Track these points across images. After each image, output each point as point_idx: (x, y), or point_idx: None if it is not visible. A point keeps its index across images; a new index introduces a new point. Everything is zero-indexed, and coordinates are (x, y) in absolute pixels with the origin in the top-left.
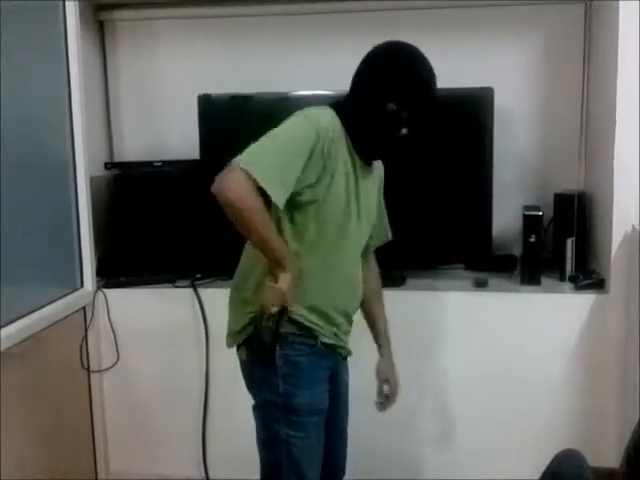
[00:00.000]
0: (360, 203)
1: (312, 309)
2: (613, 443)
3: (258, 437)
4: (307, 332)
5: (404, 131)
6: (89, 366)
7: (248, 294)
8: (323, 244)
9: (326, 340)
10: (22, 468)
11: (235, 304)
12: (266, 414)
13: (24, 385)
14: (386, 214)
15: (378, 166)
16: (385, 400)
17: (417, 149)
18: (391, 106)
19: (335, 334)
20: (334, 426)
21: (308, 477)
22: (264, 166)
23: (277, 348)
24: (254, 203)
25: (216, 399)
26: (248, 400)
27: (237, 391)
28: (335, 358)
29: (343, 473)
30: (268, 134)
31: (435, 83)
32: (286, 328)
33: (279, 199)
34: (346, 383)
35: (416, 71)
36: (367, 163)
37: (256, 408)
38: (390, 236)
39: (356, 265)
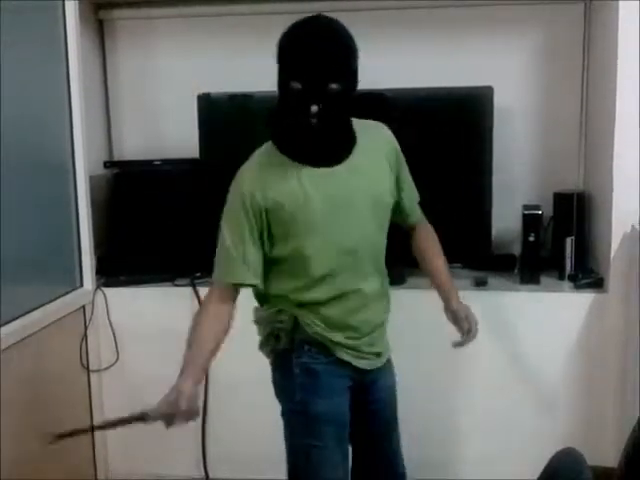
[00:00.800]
0: (340, 212)
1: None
2: (612, 442)
3: (285, 443)
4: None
5: (314, 109)
6: (89, 365)
7: (259, 314)
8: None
9: (343, 356)
10: (21, 467)
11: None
12: (287, 421)
13: (23, 384)
14: (408, 178)
15: (364, 147)
16: (466, 336)
17: (419, 149)
18: (295, 85)
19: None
20: (375, 445)
21: None
22: (219, 271)
23: (294, 356)
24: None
25: (215, 399)
26: (247, 400)
27: (236, 391)
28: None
29: None
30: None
31: (328, 47)
32: (302, 334)
33: (249, 280)
34: (389, 389)
35: (299, 37)
36: (307, 162)
37: (281, 415)
38: (417, 196)
39: (356, 281)
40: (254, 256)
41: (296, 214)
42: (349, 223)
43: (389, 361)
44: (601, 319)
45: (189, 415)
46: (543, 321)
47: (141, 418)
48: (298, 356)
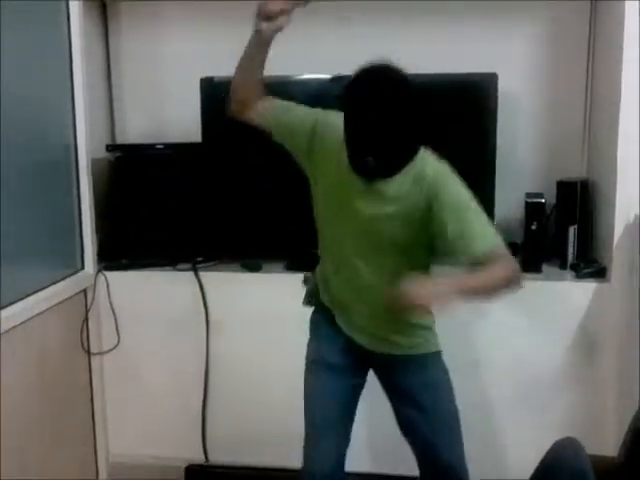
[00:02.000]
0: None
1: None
2: (612, 432)
3: None
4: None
5: (369, 159)
6: (89, 348)
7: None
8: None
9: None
10: (21, 450)
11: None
12: None
13: (24, 367)
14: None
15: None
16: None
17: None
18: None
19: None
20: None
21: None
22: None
23: (313, 312)
24: None
25: (216, 383)
26: (248, 383)
27: (237, 375)
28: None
29: None
30: None
31: (376, 104)
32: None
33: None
34: (420, 385)
35: (351, 89)
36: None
37: None
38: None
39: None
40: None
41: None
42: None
43: (425, 357)
44: (603, 309)
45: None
46: (544, 310)
47: None
48: (315, 312)
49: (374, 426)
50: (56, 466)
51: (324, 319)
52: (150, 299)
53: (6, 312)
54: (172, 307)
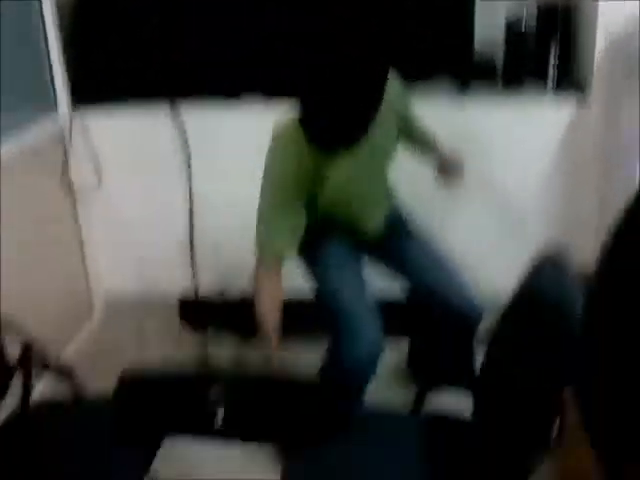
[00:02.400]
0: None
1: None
2: (590, 249)
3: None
4: None
5: None
6: (73, 193)
7: None
8: None
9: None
10: (20, 298)
11: None
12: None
13: (8, 212)
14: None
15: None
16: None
17: None
18: None
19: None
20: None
21: None
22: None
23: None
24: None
25: (202, 218)
26: (233, 217)
27: (222, 209)
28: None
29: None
30: None
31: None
32: None
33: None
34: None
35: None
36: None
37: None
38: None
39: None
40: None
41: None
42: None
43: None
44: (582, 126)
45: None
46: (525, 131)
47: None
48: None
49: None
50: (53, 306)
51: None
52: (129, 140)
53: None
54: (152, 147)
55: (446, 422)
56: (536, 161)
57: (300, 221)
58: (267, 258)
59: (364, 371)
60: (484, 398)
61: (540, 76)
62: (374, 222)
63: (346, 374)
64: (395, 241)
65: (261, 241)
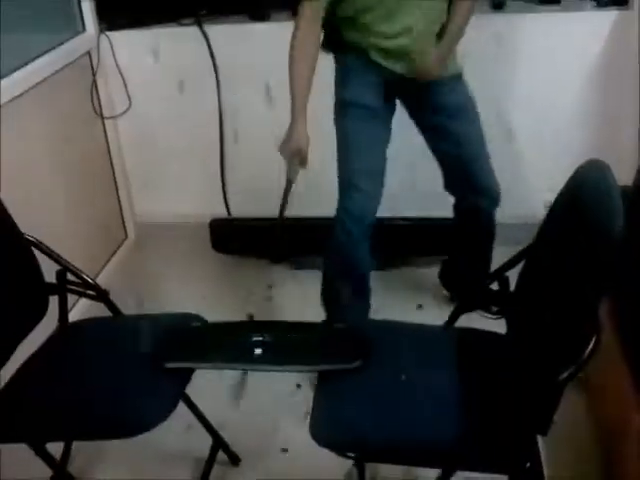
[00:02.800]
0: None
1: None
2: (628, 162)
3: None
4: None
5: None
6: (102, 113)
7: None
8: None
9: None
10: (48, 219)
11: None
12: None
13: (39, 133)
14: None
15: None
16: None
17: None
18: None
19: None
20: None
21: None
22: None
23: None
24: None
25: (231, 138)
26: (264, 136)
27: (252, 128)
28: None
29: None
30: None
31: None
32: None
33: None
34: (455, 107)
35: None
36: None
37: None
38: None
39: None
40: None
41: None
42: None
43: (451, 79)
44: (624, 37)
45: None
46: (563, 43)
47: (289, 184)
48: (341, 56)
49: (415, 169)
50: (85, 230)
51: (354, 62)
52: (157, 58)
53: (8, 80)
54: (180, 64)
55: (480, 334)
56: (575, 71)
57: None
58: (305, 5)
59: (355, 240)
60: (519, 313)
61: None
62: (405, 51)
63: (340, 245)
64: (440, 109)
65: None
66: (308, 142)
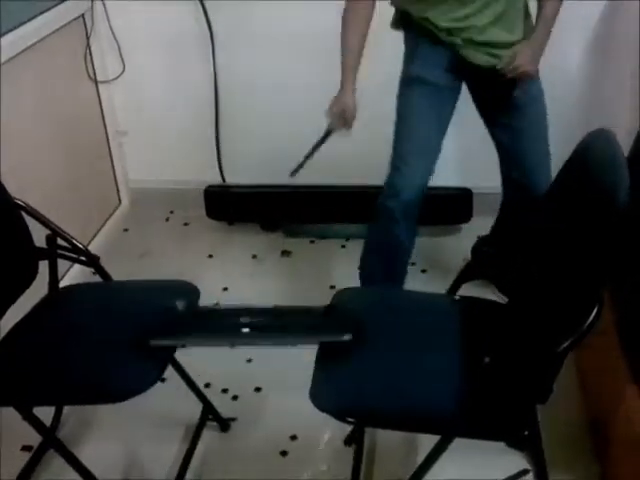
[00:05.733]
0: None
1: None
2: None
3: None
4: None
5: None
6: (96, 77)
7: None
8: None
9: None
10: (42, 182)
11: None
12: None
13: (32, 96)
14: None
15: None
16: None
17: None
18: None
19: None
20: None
21: None
22: None
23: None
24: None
25: (227, 104)
26: (258, 102)
27: (247, 95)
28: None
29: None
30: None
31: None
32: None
33: None
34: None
35: None
36: None
37: None
38: None
39: None
40: None
41: None
42: None
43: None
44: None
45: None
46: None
47: (328, 132)
48: (410, 33)
49: (463, 142)
50: (79, 196)
51: (424, 39)
52: (151, 22)
53: (5, 39)
54: (174, 29)
55: (481, 303)
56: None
57: None
58: None
59: (391, 216)
60: (520, 283)
61: None
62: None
63: (377, 218)
64: (510, 104)
65: None
66: (355, 108)
